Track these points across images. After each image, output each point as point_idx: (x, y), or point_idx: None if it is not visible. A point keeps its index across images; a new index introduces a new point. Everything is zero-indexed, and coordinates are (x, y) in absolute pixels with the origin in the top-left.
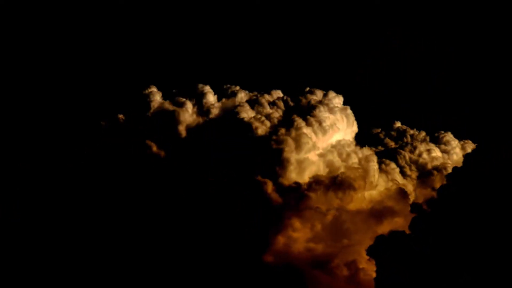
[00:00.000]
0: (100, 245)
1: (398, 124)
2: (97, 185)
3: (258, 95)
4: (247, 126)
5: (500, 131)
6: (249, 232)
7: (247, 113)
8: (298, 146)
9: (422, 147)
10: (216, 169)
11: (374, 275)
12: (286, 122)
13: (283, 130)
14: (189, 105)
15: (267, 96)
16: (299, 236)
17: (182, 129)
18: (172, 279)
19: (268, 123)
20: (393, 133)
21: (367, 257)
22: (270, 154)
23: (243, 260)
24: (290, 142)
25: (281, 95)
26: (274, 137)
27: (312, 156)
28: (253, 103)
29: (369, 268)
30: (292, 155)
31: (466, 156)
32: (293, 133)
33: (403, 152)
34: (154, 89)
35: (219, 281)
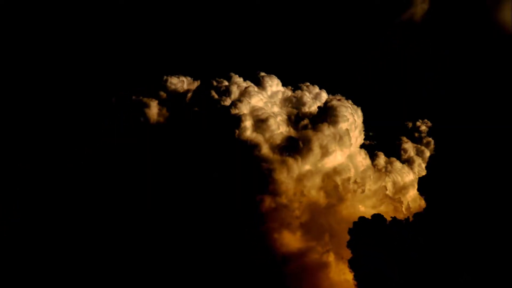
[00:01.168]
0: (100, 244)
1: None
2: (97, 185)
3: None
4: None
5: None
6: (248, 232)
7: (241, 110)
8: (302, 176)
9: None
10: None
11: (348, 274)
12: (292, 141)
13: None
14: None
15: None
16: (281, 237)
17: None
18: (171, 277)
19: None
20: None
21: (342, 258)
22: (263, 175)
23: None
24: (290, 170)
25: (289, 93)
26: (268, 166)
27: (316, 180)
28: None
29: (343, 268)
30: (288, 180)
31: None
32: (299, 159)
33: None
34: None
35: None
